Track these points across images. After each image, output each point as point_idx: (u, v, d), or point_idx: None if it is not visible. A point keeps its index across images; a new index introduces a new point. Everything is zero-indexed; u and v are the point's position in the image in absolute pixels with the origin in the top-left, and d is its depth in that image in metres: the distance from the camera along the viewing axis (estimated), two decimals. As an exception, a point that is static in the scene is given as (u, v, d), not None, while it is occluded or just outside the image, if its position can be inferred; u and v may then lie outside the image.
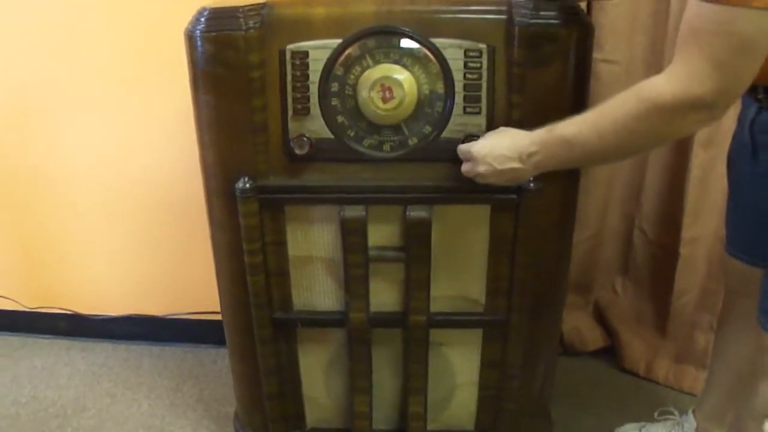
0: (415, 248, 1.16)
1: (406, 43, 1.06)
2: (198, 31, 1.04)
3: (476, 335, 1.28)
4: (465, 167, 1.05)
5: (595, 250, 1.73)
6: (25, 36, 1.58)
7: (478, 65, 1.05)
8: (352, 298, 1.21)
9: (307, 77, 1.07)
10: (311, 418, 1.40)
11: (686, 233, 1.54)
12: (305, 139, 1.10)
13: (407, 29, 1.05)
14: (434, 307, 1.22)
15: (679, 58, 0.80)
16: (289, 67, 1.07)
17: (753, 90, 0.92)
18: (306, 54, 1.06)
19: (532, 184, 1.08)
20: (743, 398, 1.23)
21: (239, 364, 1.36)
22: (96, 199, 1.74)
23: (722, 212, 1.26)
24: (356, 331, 1.24)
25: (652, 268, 1.70)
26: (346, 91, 1.08)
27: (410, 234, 1.15)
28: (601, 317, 1.81)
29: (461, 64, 1.06)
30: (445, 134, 1.09)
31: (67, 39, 1.57)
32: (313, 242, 1.21)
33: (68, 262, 1.84)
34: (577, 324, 1.78)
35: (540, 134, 0.95)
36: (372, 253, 1.17)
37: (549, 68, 1.03)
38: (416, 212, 1.13)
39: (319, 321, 1.28)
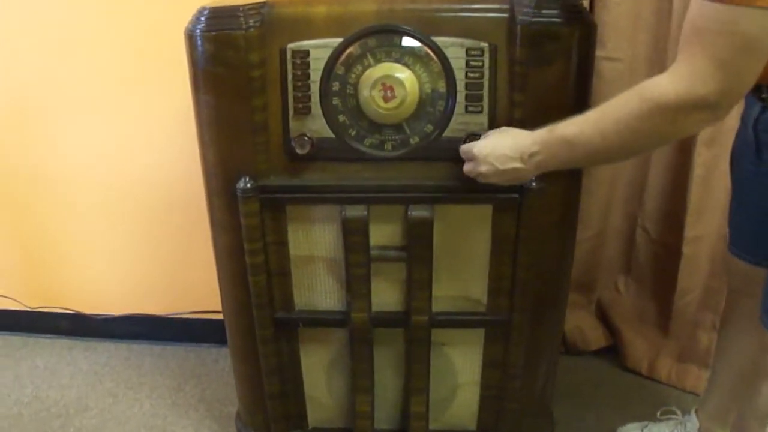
0: (417, 248, 1.15)
1: (408, 41, 1.05)
2: (198, 31, 1.04)
3: (478, 335, 1.27)
4: (467, 167, 1.04)
5: (597, 249, 1.73)
6: (25, 36, 1.58)
7: (480, 64, 1.05)
8: (353, 298, 1.20)
9: (308, 76, 1.07)
10: (313, 417, 1.40)
11: (689, 232, 1.54)
12: (306, 138, 1.10)
13: (408, 28, 1.04)
14: (436, 307, 1.21)
15: (682, 58, 0.79)
16: (289, 66, 1.06)
17: (757, 89, 0.91)
18: (307, 53, 1.06)
19: (534, 184, 1.07)
20: (746, 398, 1.23)
21: (241, 364, 1.36)
22: (97, 199, 1.74)
23: (725, 211, 1.25)
24: (358, 331, 1.24)
25: (654, 267, 1.69)
26: (348, 90, 1.08)
27: (412, 234, 1.14)
28: (603, 316, 1.81)
29: (463, 62, 1.05)
30: (446, 133, 1.09)
31: (67, 39, 1.57)
32: (314, 242, 1.21)
33: (69, 261, 1.84)
34: (580, 323, 1.78)
35: (542, 134, 0.95)
36: (374, 252, 1.17)
37: (551, 67, 1.03)
38: (418, 212, 1.13)
39: (320, 321, 1.28)
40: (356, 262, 1.17)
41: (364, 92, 1.06)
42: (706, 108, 0.79)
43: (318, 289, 1.25)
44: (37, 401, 1.69)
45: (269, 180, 1.13)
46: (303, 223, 1.19)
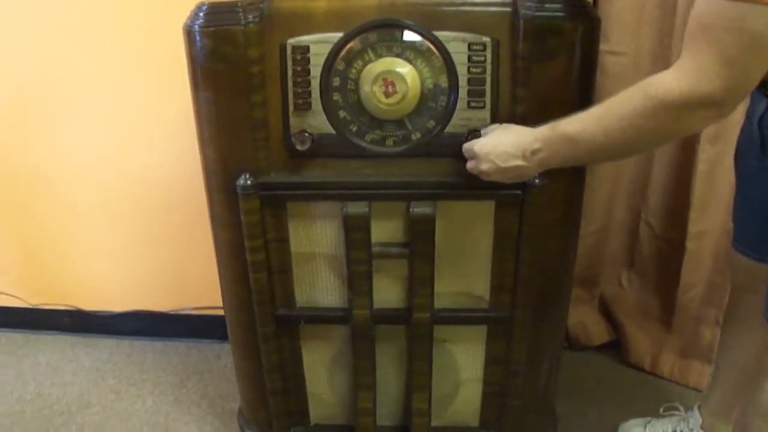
0: (419, 244, 1.15)
1: (409, 36, 1.04)
2: (197, 26, 1.03)
3: (480, 332, 1.27)
4: (469, 165, 1.04)
5: (600, 244, 1.72)
6: (24, 35, 1.57)
7: (482, 59, 1.04)
8: (355, 295, 1.20)
9: (308, 72, 1.06)
10: (315, 414, 1.40)
11: (693, 227, 1.53)
12: (306, 134, 1.09)
13: (410, 22, 1.03)
14: (438, 304, 1.21)
15: (688, 55, 0.78)
16: (289, 62, 1.05)
17: (762, 85, 0.89)
18: (307, 48, 1.05)
19: (537, 181, 1.06)
20: (749, 395, 1.23)
21: (242, 361, 1.36)
22: (98, 196, 1.73)
23: (729, 206, 1.25)
24: (360, 328, 1.23)
25: (658, 262, 1.68)
26: (348, 86, 1.07)
27: (414, 230, 1.13)
28: (606, 311, 1.80)
29: (465, 57, 1.04)
30: (448, 129, 1.08)
31: (66, 36, 1.56)
32: (315, 239, 1.20)
33: (71, 258, 1.84)
34: (583, 318, 1.77)
35: (544, 131, 0.94)
36: (375, 249, 1.16)
37: (554, 62, 1.02)
38: (420, 208, 1.12)
39: (322, 318, 1.27)
40: (358, 258, 1.16)
41: (365, 88, 1.05)
42: (712, 105, 0.78)
43: (319, 286, 1.25)
44: (39, 398, 1.69)
45: (269, 177, 1.12)
46: (304, 220, 1.18)
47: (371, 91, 1.05)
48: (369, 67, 1.05)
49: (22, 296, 1.91)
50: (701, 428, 1.38)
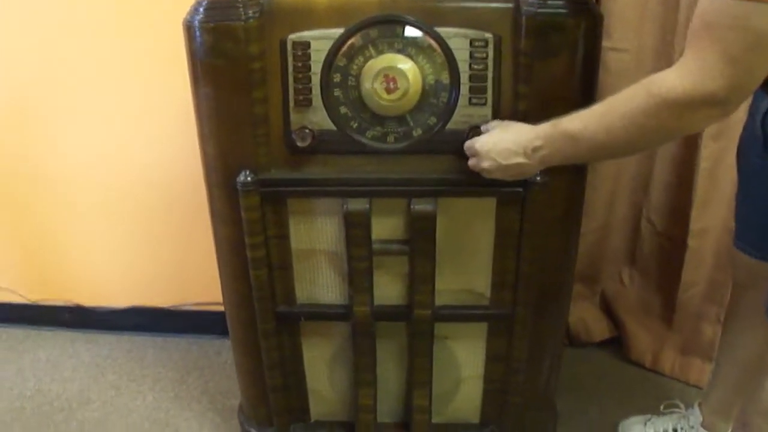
0: (420, 241, 1.14)
1: (410, 32, 1.03)
2: (196, 22, 1.02)
3: (481, 329, 1.27)
4: (470, 162, 1.03)
5: (602, 241, 1.72)
6: (24, 32, 1.57)
7: (484, 55, 1.03)
8: (355, 292, 1.19)
9: (309, 68, 1.05)
10: (315, 411, 1.40)
11: (694, 225, 1.52)
12: (307, 131, 1.08)
13: (411, 18, 1.02)
14: (439, 301, 1.21)
15: (691, 53, 0.78)
16: (290, 58, 1.05)
17: (766, 84, 0.89)
18: (308, 44, 1.04)
19: (538, 178, 1.06)
20: (750, 392, 1.22)
21: (243, 358, 1.36)
22: (98, 192, 1.73)
23: (731, 204, 1.24)
24: (360, 325, 1.23)
25: (659, 259, 1.68)
26: (349, 82, 1.06)
27: (415, 227, 1.13)
28: (607, 308, 1.80)
29: (467, 54, 1.03)
30: (450, 126, 1.07)
31: (66, 35, 1.55)
32: (316, 235, 1.20)
33: (71, 254, 1.83)
34: (583, 315, 1.77)
35: (545, 128, 0.93)
36: (376, 246, 1.16)
37: (556, 59, 1.01)
38: (421, 205, 1.11)
39: (322, 314, 1.27)
40: (358, 255, 1.16)
41: (366, 84, 1.05)
42: (715, 104, 0.77)
43: (320, 283, 1.24)
44: (39, 395, 1.69)
45: (270, 173, 1.12)
46: (304, 217, 1.18)
47: (372, 88, 1.04)
48: (370, 63, 1.04)
49: (22, 292, 1.90)
50: (701, 426, 1.38)
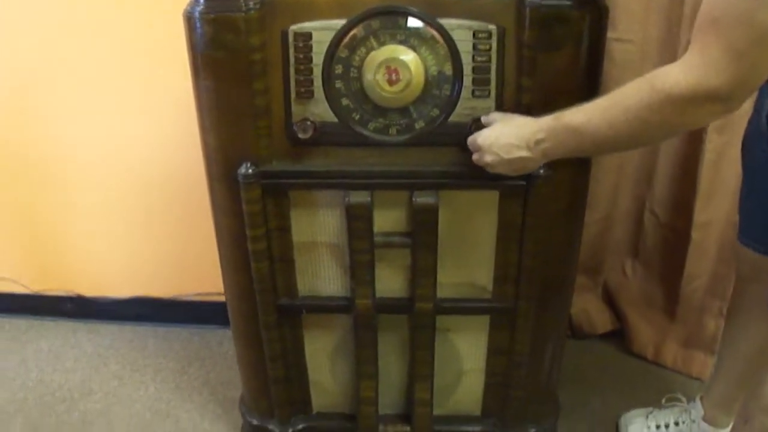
0: (422, 234, 1.14)
1: (413, 23, 1.02)
2: (197, 13, 1.01)
3: (483, 322, 1.26)
4: (474, 157, 1.03)
5: (605, 233, 1.71)
6: (26, 20, 1.56)
7: (488, 47, 1.02)
8: (357, 285, 1.19)
9: (311, 59, 1.04)
10: (317, 403, 1.40)
11: (698, 217, 1.51)
12: (309, 122, 1.07)
13: (414, 9, 1.01)
14: (441, 293, 1.20)
15: (696, 48, 0.77)
16: (291, 49, 1.04)
17: None
18: (309, 35, 1.03)
19: (542, 171, 1.04)
20: (752, 387, 1.22)
21: (244, 349, 1.36)
22: (100, 182, 1.73)
23: (735, 197, 1.23)
24: (362, 318, 1.23)
25: (662, 251, 1.67)
26: (351, 74, 1.05)
27: (417, 220, 1.13)
28: (610, 300, 1.80)
29: (470, 45, 1.02)
30: (452, 118, 1.06)
31: (67, 21, 1.54)
32: (317, 228, 1.19)
33: (72, 244, 1.83)
34: (586, 306, 1.77)
35: (548, 121, 0.93)
36: (378, 239, 1.15)
37: (560, 51, 1.00)
38: (423, 198, 1.11)
39: (324, 307, 1.27)
40: (360, 248, 1.15)
41: (368, 75, 1.04)
42: (719, 100, 0.76)
43: (321, 275, 1.24)
44: (41, 385, 1.69)
45: (271, 165, 1.11)
46: (306, 209, 1.17)
47: (374, 79, 1.03)
48: (372, 54, 1.03)
49: (24, 282, 1.90)
50: (703, 419, 1.38)
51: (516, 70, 1.03)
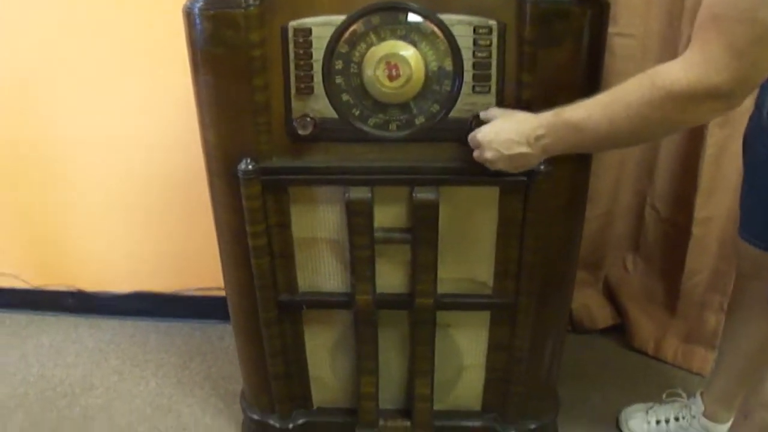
0: (422, 230, 1.14)
1: (413, 18, 1.02)
2: (196, 9, 1.00)
3: (484, 317, 1.26)
4: (475, 154, 1.02)
5: (606, 227, 1.71)
6: (28, 14, 1.55)
7: (488, 43, 1.02)
8: (357, 280, 1.19)
9: (311, 55, 1.04)
10: (318, 398, 1.40)
11: (699, 213, 1.51)
12: (309, 118, 1.07)
13: (414, 5, 1.00)
14: (441, 289, 1.20)
15: (697, 45, 0.76)
16: (291, 45, 1.03)
17: None
18: (309, 31, 1.03)
19: (542, 167, 1.04)
20: (752, 383, 1.22)
21: (245, 345, 1.36)
22: (100, 177, 1.73)
23: (736, 192, 1.23)
24: (362, 313, 1.23)
25: (663, 246, 1.67)
26: (351, 69, 1.05)
27: (417, 216, 1.12)
28: (610, 295, 1.80)
29: (470, 41, 1.02)
30: (453, 114, 1.06)
31: (68, 17, 1.54)
32: (318, 224, 1.19)
33: (73, 239, 1.84)
34: (587, 301, 1.77)
35: (548, 117, 0.92)
36: (378, 234, 1.15)
37: (561, 47, 0.99)
38: (423, 194, 1.10)
39: (324, 303, 1.27)
40: (360, 244, 1.15)
41: (368, 71, 1.03)
42: (719, 97, 0.76)
43: (322, 271, 1.24)
44: (42, 380, 1.69)
45: (271, 161, 1.11)
46: (306, 205, 1.17)
47: (374, 75, 1.03)
48: (372, 50, 1.03)
49: (25, 277, 1.91)
50: (703, 415, 1.38)
51: (516, 65, 1.02)
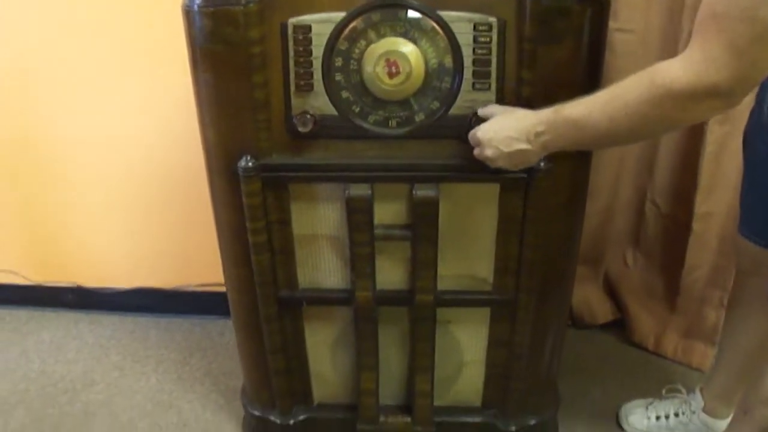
0: (422, 227, 1.14)
1: (413, 15, 1.01)
2: (195, 6, 1.00)
3: (484, 313, 1.26)
4: (475, 152, 1.02)
5: (606, 223, 1.71)
6: (27, 10, 1.55)
7: (488, 40, 1.01)
8: (358, 277, 1.19)
9: (310, 52, 1.04)
10: (318, 393, 1.40)
11: (699, 208, 1.51)
12: (308, 116, 1.07)
13: (414, 2, 1.00)
14: (441, 286, 1.20)
15: (697, 43, 0.76)
16: (291, 42, 1.03)
17: None
18: (309, 28, 1.02)
19: (542, 164, 1.04)
20: (752, 379, 1.22)
21: (245, 341, 1.36)
22: (101, 174, 1.73)
23: (736, 189, 1.23)
24: (362, 310, 1.23)
25: (663, 242, 1.67)
26: (351, 66, 1.04)
27: (417, 213, 1.12)
28: (610, 290, 1.80)
29: (470, 38, 1.01)
30: (453, 111, 1.06)
31: (68, 15, 1.54)
32: (318, 220, 1.19)
33: (74, 235, 1.84)
34: (587, 296, 1.77)
35: (547, 114, 0.92)
36: (378, 231, 1.15)
37: (561, 44, 0.99)
38: (423, 191, 1.10)
39: (324, 299, 1.27)
40: (360, 240, 1.15)
41: (368, 68, 1.03)
42: (719, 95, 0.76)
43: (322, 268, 1.24)
44: (43, 376, 1.70)
45: (271, 158, 1.11)
46: (306, 202, 1.17)
47: (374, 72, 1.03)
48: (372, 47, 1.02)
49: (25, 274, 1.91)
50: (703, 411, 1.38)
51: (516, 62, 1.02)
